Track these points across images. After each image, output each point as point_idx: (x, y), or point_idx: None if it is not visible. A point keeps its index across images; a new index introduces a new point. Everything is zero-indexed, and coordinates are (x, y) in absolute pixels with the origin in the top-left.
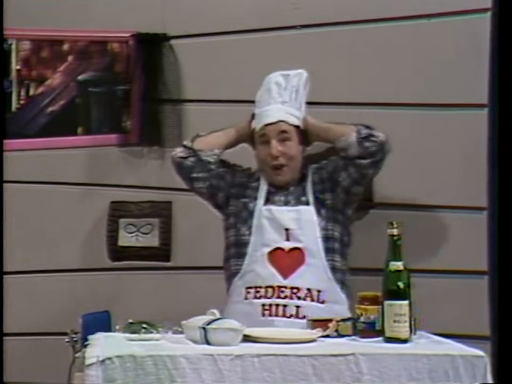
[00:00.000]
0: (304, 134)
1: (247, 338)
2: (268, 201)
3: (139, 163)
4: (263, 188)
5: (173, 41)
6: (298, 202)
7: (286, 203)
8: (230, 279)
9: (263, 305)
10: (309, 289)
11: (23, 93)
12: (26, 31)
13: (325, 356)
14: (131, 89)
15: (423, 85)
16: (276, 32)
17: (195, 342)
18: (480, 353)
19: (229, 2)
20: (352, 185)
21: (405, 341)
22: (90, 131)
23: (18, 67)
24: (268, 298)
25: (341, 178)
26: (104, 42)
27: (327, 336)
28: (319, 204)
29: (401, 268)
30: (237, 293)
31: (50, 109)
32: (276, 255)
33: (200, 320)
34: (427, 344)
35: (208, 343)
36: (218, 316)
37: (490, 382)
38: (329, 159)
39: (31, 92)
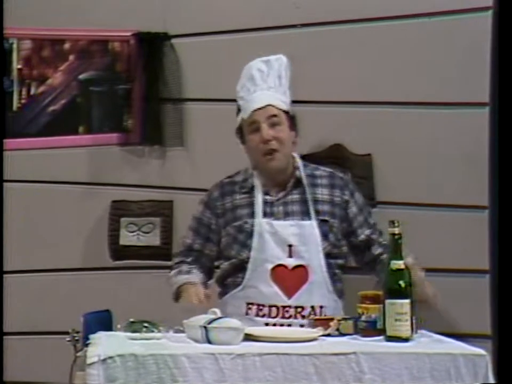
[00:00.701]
0: (294, 120)
1: (248, 337)
2: (266, 214)
3: (140, 162)
4: (258, 199)
5: (174, 41)
6: (300, 214)
7: (286, 215)
8: (224, 287)
9: (267, 324)
10: (312, 307)
11: (24, 92)
12: (27, 30)
13: (326, 355)
14: (132, 88)
15: (424, 84)
16: (276, 31)
17: (196, 341)
18: (482, 352)
19: (229, 2)
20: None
21: (406, 340)
22: (92, 130)
23: (19, 66)
24: (272, 317)
25: (356, 233)
26: (105, 41)
27: (329, 335)
28: (321, 221)
29: (403, 266)
30: (235, 305)
31: (51, 108)
32: (279, 273)
33: (202, 319)
34: (428, 343)
35: (209, 342)
36: (219, 315)
37: (492, 380)
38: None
39: (32, 91)
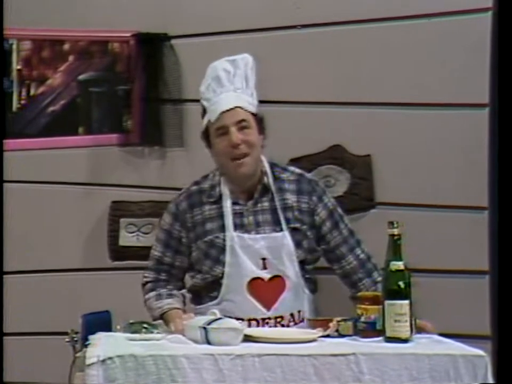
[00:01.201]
0: (262, 123)
1: (247, 338)
2: (236, 225)
3: (140, 163)
4: (227, 210)
5: (173, 41)
6: (271, 224)
7: (258, 225)
8: (199, 297)
9: None
10: (291, 314)
11: (24, 93)
12: (27, 31)
13: (325, 356)
14: (132, 89)
15: (423, 85)
16: (276, 32)
17: (196, 341)
18: (481, 353)
19: (229, 2)
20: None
21: (405, 341)
22: (91, 131)
23: (19, 67)
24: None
25: (326, 239)
26: (105, 42)
27: (328, 336)
28: (293, 230)
29: (402, 267)
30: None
31: (51, 108)
32: (256, 286)
33: (201, 320)
34: (428, 344)
35: (209, 342)
36: (219, 315)
37: (491, 381)
38: (324, 203)
39: (32, 92)
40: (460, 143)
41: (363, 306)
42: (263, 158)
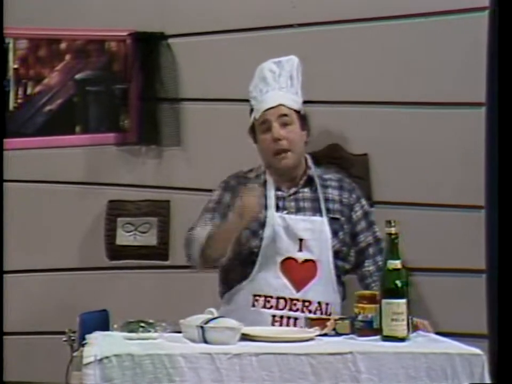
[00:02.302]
0: (305, 120)
1: (245, 337)
2: (278, 208)
3: (137, 162)
4: (271, 193)
5: (170, 40)
6: (312, 210)
7: (298, 210)
8: (228, 283)
9: (274, 316)
10: (319, 303)
11: (20, 92)
12: (23, 30)
13: (323, 355)
14: (129, 88)
15: (420, 84)
16: (273, 31)
17: (193, 340)
18: (478, 351)
19: (226, 1)
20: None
21: (402, 340)
22: (88, 130)
23: (15, 66)
24: (280, 309)
25: (358, 238)
26: (102, 41)
27: (325, 334)
28: (332, 219)
29: (399, 266)
30: (240, 299)
31: (48, 108)
32: (289, 266)
33: (198, 319)
34: (425, 343)
35: (206, 342)
36: (216, 314)
37: (488, 380)
38: (360, 206)
39: (29, 91)
40: (457, 142)
41: (360, 305)
42: (308, 156)
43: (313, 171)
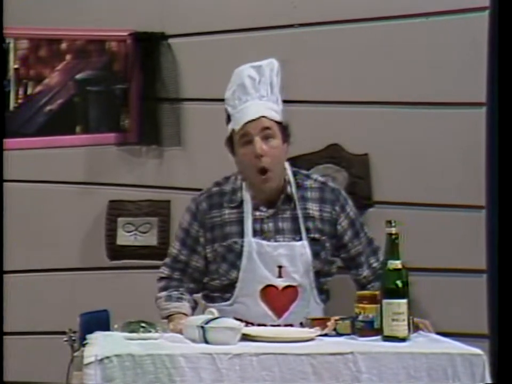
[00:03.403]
0: (287, 130)
1: (245, 337)
2: (256, 231)
3: (137, 162)
4: (248, 216)
5: (170, 40)
6: (291, 232)
7: (277, 232)
8: (212, 298)
9: None
10: (301, 323)
11: (21, 92)
12: (24, 29)
13: (323, 355)
14: (129, 88)
15: (421, 84)
16: (274, 31)
17: (194, 341)
18: (479, 351)
19: (226, 1)
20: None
21: (403, 340)
22: (89, 130)
23: (16, 66)
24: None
25: (347, 248)
26: (102, 41)
27: (326, 335)
28: (312, 240)
29: (400, 266)
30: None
31: (48, 108)
32: (269, 293)
33: (199, 319)
34: (425, 343)
35: (206, 342)
36: (216, 314)
37: (489, 380)
38: (346, 213)
39: (29, 91)
40: (457, 142)
41: (361, 305)
42: (287, 166)
43: (292, 185)
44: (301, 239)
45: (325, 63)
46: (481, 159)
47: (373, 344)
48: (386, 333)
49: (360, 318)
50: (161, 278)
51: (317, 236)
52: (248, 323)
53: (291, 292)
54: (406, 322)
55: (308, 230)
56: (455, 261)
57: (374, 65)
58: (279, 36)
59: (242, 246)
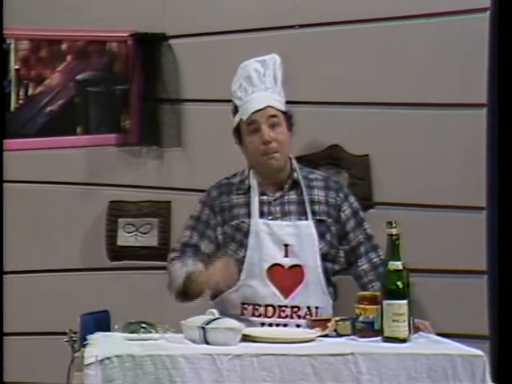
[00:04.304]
0: (291, 120)
1: (246, 338)
2: (263, 213)
3: (138, 163)
4: (255, 200)
5: (171, 41)
6: (297, 214)
7: (284, 214)
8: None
9: (263, 324)
10: (308, 307)
11: (21, 92)
12: (25, 30)
13: (324, 356)
14: (130, 88)
15: (422, 85)
16: (275, 32)
17: (194, 341)
18: (479, 352)
19: (227, 2)
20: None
21: (403, 341)
22: (89, 131)
23: (17, 67)
24: (268, 317)
25: (348, 238)
26: (103, 42)
27: (326, 335)
28: (318, 221)
29: (400, 267)
30: (229, 306)
31: (49, 108)
32: (275, 272)
33: (199, 319)
34: (426, 344)
35: (207, 342)
36: (217, 315)
37: (489, 381)
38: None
39: (30, 92)
40: (458, 143)
41: (361, 306)
42: (292, 156)
43: (298, 173)
44: (307, 219)
45: (325, 63)
46: (481, 160)
47: (373, 345)
48: (386, 333)
49: (361, 318)
50: (172, 260)
51: (323, 218)
52: (255, 305)
53: (297, 271)
54: (406, 323)
55: (314, 213)
56: (456, 262)
57: (374, 66)
58: (279, 37)
59: (249, 226)
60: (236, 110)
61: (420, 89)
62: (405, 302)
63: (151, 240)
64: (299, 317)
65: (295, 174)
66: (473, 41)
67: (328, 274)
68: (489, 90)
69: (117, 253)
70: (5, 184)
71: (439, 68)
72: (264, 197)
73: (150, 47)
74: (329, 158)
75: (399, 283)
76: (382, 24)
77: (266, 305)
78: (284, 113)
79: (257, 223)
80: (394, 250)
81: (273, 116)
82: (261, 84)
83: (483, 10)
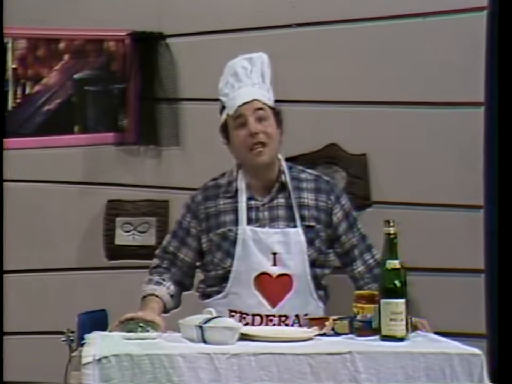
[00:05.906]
0: (279, 117)
1: (243, 337)
2: (250, 219)
3: (135, 162)
4: (242, 206)
5: (169, 40)
6: (286, 220)
7: (272, 220)
8: (206, 293)
9: None
10: (297, 315)
11: (19, 91)
12: (22, 29)
13: (321, 355)
14: (127, 88)
15: (419, 84)
16: (272, 31)
17: (192, 340)
18: (477, 351)
19: (225, 1)
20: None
21: (401, 339)
22: (87, 130)
23: (14, 66)
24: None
25: (341, 241)
26: (101, 41)
27: (324, 334)
28: (307, 227)
29: (398, 266)
30: (217, 312)
31: (46, 107)
32: (263, 281)
33: (197, 319)
34: (423, 343)
35: (205, 341)
36: (215, 314)
37: (487, 380)
38: (342, 206)
39: (27, 91)
40: (456, 141)
41: (359, 305)
42: (281, 157)
43: (287, 175)
44: (295, 227)
45: (323, 63)
46: (479, 159)
47: (371, 344)
48: (384, 332)
49: (358, 317)
50: (151, 268)
51: (312, 223)
52: (242, 314)
53: (285, 280)
54: (404, 322)
55: (302, 218)
56: (453, 261)
57: (371, 65)
58: (277, 36)
59: (236, 234)
60: (223, 108)
61: (417, 88)
62: (402, 300)
63: (149, 239)
64: (287, 325)
65: (283, 177)
66: (471, 40)
67: (317, 279)
68: (487, 88)
69: (115, 252)
70: (3, 184)
71: (436, 67)
72: (252, 202)
73: (147, 46)
74: (326, 157)
75: (396, 282)
76: (379, 23)
77: (254, 315)
78: (272, 108)
79: (245, 231)
80: (391, 249)
81: (260, 108)
82: (247, 80)
83: (480, 9)
